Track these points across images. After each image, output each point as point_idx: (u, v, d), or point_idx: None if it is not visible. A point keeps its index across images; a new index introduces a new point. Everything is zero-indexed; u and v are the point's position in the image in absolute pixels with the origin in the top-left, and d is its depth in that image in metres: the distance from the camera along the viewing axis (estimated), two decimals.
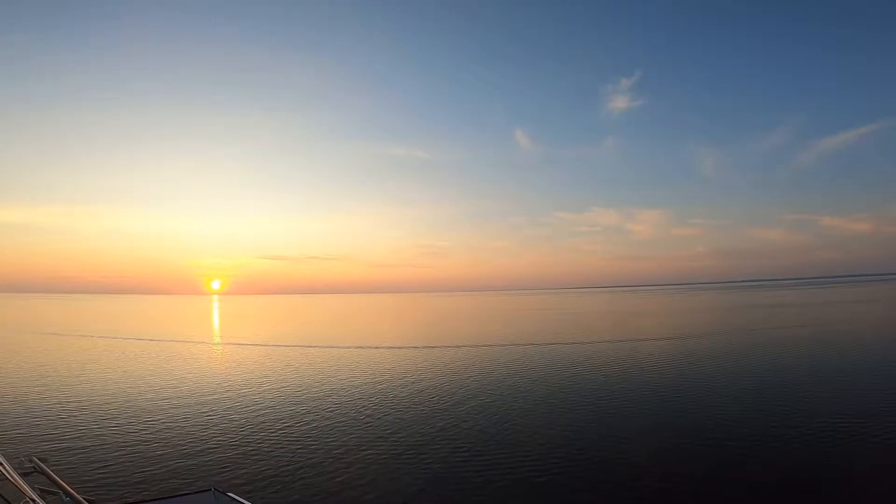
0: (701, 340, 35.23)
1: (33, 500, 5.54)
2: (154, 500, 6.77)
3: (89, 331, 54.80)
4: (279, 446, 13.27)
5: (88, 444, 13.56)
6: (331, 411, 17.12)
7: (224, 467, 11.73)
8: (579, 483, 10.53)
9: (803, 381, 20.33)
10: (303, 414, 16.83)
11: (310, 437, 14.13)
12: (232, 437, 14.13)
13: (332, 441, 13.69)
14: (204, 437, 14.14)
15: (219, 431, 14.77)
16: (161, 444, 13.45)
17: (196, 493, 6.69)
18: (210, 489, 6.66)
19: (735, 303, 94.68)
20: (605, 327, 50.14)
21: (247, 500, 6.80)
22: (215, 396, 19.79)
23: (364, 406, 17.81)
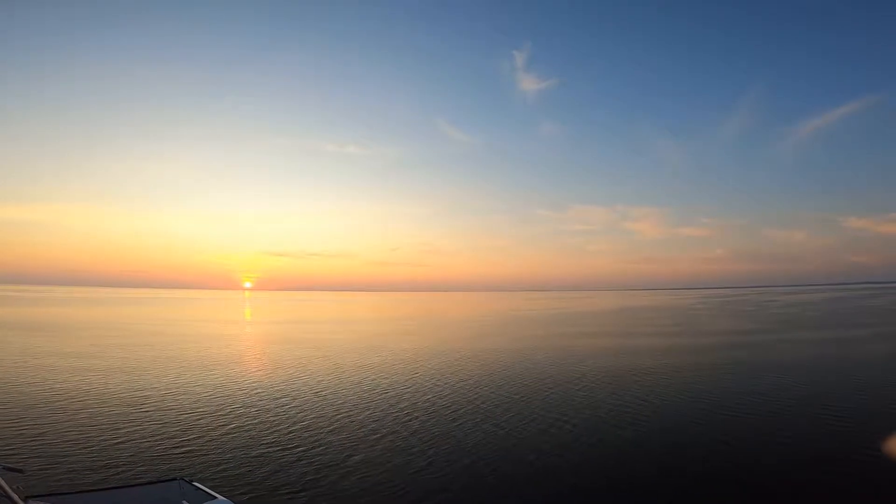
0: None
1: None
2: (118, 487, 7.00)
3: (60, 324, 54.74)
4: (252, 441, 13.32)
5: (46, 436, 13.42)
6: (312, 409, 17.23)
7: (193, 458, 11.81)
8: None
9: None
10: (284, 411, 16.91)
11: (294, 434, 14.22)
12: (201, 430, 14.17)
13: (309, 438, 13.82)
14: (172, 429, 14.15)
15: (189, 424, 14.79)
16: (127, 437, 13.39)
17: (162, 481, 6.97)
18: (176, 479, 6.94)
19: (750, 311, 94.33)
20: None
21: (214, 491, 7.10)
22: (192, 390, 19.73)
23: (349, 404, 17.96)
